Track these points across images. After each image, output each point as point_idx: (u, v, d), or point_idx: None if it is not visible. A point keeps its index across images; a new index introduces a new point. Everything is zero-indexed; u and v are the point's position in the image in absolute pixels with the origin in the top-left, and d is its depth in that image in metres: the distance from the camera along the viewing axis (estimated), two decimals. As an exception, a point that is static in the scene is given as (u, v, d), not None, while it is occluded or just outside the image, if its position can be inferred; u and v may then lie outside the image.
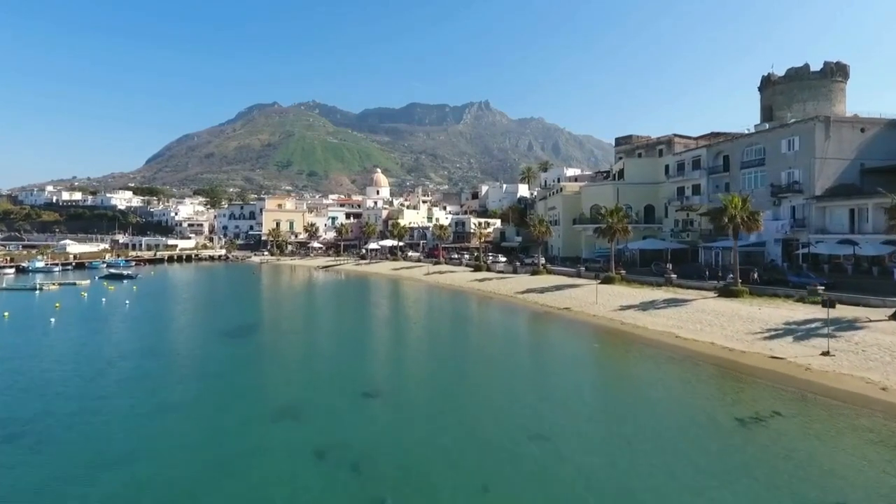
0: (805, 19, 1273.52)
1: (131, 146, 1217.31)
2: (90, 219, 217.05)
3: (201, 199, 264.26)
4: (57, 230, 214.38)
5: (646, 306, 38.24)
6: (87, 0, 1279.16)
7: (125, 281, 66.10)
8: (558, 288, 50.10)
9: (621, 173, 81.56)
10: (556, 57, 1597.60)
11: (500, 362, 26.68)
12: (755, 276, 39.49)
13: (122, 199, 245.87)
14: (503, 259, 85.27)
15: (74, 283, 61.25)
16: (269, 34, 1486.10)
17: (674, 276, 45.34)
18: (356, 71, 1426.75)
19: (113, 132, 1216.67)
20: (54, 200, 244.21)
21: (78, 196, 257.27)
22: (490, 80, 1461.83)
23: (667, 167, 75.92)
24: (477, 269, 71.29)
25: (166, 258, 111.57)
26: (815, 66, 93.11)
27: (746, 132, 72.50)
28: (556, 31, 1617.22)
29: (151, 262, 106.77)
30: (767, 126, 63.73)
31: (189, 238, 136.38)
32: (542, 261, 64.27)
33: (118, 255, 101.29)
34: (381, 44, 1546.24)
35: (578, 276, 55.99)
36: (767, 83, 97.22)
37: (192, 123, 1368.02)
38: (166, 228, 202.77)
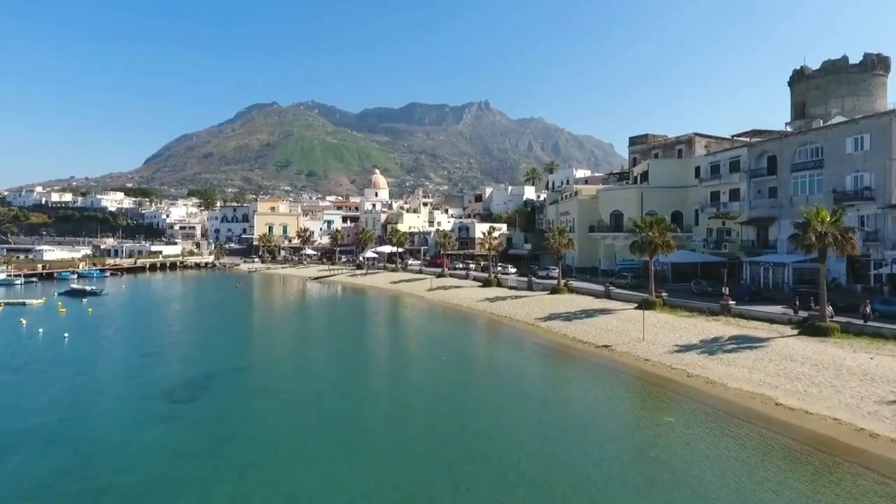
0: (807, 15, 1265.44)
1: (130, 146, 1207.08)
2: (79, 221, 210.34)
3: (195, 200, 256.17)
4: (44, 233, 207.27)
5: (710, 347, 30.22)
6: (86, 0, 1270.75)
7: (85, 299, 57.97)
8: (587, 314, 42.08)
9: (644, 176, 73.55)
10: (556, 57, 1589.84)
11: (537, 456, 18.42)
12: (868, 309, 30.77)
13: (113, 201, 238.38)
14: (513, 270, 77.28)
15: (24, 303, 53.20)
16: (269, 34, 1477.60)
17: (732, 302, 37.29)
18: (355, 71, 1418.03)
19: (112, 132, 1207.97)
20: (43, 202, 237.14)
21: (68, 197, 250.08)
22: (490, 80, 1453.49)
23: (697, 169, 67.91)
24: (486, 283, 63.21)
25: (148, 266, 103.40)
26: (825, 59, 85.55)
27: (789, 130, 64.74)
28: (556, 31, 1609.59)
29: (131, 270, 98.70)
30: (821, 122, 55.70)
31: (175, 244, 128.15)
32: (562, 277, 55.96)
33: (94, 264, 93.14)
34: (380, 43, 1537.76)
35: (608, 296, 47.94)
36: (800, 77, 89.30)
37: (190, 123, 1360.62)
38: (157, 231, 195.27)
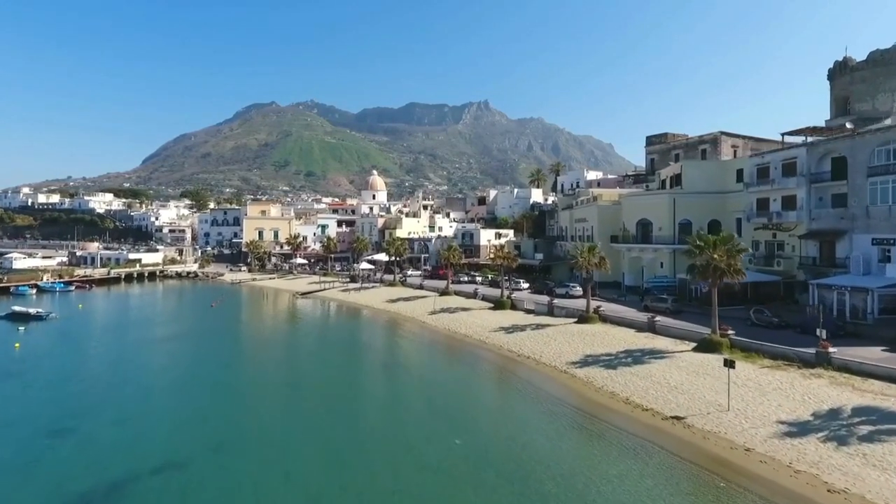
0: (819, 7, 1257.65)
1: (128, 146, 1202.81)
2: (66, 223, 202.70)
3: (187, 201, 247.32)
4: (28, 236, 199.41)
5: (832, 426, 21.38)
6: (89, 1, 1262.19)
7: (22, 327, 48.67)
8: (633, 357, 33.17)
9: (675, 179, 64.71)
10: (556, 57, 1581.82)
11: None
12: None
13: (102, 203, 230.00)
14: (525, 286, 68.44)
15: (-56, 334, 44.30)
16: (268, 34, 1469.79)
17: (834, 350, 28.35)
18: (355, 70, 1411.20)
19: (110, 133, 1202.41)
20: (30, 203, 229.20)
21: (56, 199, 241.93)
22: (489, 79, 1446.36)
23: (739, 172, 59.18)
24: (498, 305, 54.20)
25: (123, 277, 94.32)
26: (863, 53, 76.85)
27: (849, 126, 55.86)
28: (556, 31, 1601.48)
29: (104, 282, 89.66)
30: (887, 120, 46.80)
31: (157, 251, 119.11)
32: (588, 299, 46.89)
33: (59, 276, 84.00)
34: (380, 43, 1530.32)
35: (653, 330, 39.02)
36: (842, 70, 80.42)
37: (189, 123, 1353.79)
38: (146, 234, 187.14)
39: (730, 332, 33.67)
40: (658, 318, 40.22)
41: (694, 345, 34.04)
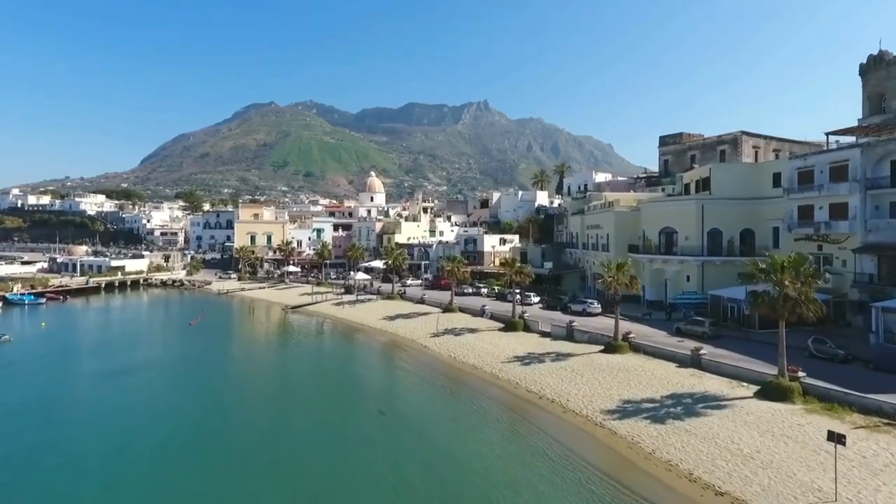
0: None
1: (126, 146, 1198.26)
2: (56, 225, 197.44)
3: (182, 203, 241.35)
4: (17, 238, 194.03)
5: None
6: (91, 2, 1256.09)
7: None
8: (684, 406, 27.04)
9: (705, 183, 58.78)
10: (555, 57, 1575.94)
11: None
12: None
13: (93, 204, 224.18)
14: (536, 299, 62.50)
15: None
16: (267, 34, 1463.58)
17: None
18: (354, 70, 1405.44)
19: (109, 132, 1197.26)
20: (19, 205, 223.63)
21: (46, 200, 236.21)
22: (489, 80, 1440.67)
23: (776, 176, 53.24)
24: (510, 327, 48.00)
25: (103, 286, 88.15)
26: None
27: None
28: (556, 31, 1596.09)
29: (82, 292, 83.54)
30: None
31: (142, 257, 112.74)
32: (623, 330, 40.51)
33: (31, 287, 77.75)
34: (379, 43, 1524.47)
35: (699, 366, 32.88)
36: (877, 65, 74.45)
37: (187, 123, 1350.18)
38: (137, 237, 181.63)
39: (800, 373, 27.63)
40: (703, 349, 34.06)
41: (755, 388, 28.02)
